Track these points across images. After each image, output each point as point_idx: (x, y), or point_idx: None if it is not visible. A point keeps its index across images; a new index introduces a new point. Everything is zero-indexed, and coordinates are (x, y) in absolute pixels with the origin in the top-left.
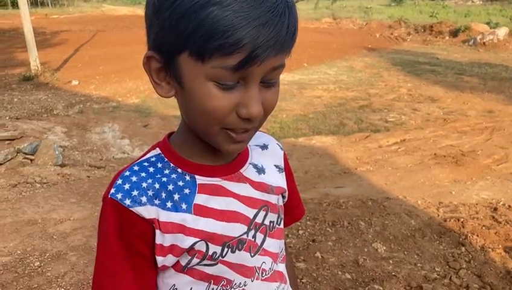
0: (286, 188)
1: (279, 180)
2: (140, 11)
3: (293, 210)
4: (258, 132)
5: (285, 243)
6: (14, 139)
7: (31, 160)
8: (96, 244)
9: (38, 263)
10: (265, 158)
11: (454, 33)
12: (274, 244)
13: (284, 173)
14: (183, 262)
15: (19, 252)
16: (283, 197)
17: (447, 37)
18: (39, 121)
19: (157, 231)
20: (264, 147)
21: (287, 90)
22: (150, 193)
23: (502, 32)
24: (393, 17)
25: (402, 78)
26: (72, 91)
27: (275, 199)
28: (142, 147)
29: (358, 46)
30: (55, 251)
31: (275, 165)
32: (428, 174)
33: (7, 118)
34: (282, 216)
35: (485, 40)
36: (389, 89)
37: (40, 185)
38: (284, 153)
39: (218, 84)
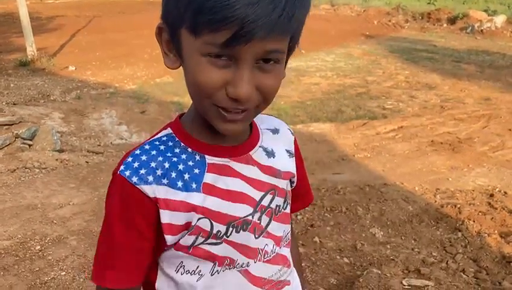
0: (295, 173)
1: (289, 165)
2: None
3: (301, 196)
4: (268, 116)
5: (292, 228)
6: (12, 124)
7: (30, 145)
8: (96, 228)
9: (39, 247)
10: (277, 142)
11: (452, 20)
12: (278, 228)
13: (294, 158)
14: (188, 242)
15: (19, 236)
16: (291, 182)
17: (445, 25)
18: (36, 106)
19: (162, 211)
20: (275, 131)
21: (285, 77)
22: (159, 172)
23: (499, 19)
24: (391, 4)
25: (400, 66)
26: (69, 77)
27: (282, 184)
28: (140, 133)
29: (356, 33)
30: (55, 235)
31: (286, 150)
32: (426, 161)
33: (4, 103)
34: (289, 201)
35: (482, 28)
36: (387, 76)
37: (39, 170)
38: (295, 138)
39: (210, 59)
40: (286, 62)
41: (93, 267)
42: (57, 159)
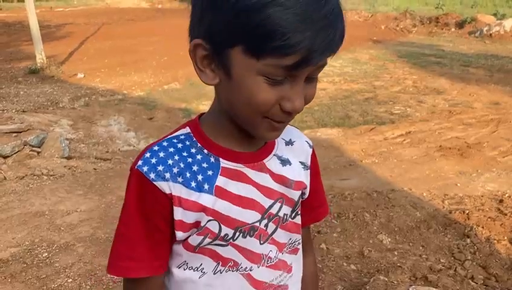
0: (307, 185)
1: (302, 176)
2: (144, 3)
3: (315, 209)
4: (289, 127)
5: (310, 244)
6: (20, 132)
7: (38, 152)
8: (104, 235)
9: (47, 253)
10: (290, 153)
11: (460, 25)
12: (283, 235)
13: (308, 170)
14: (195, 242)
15: (27, 243)
16: (303, 193)
17: (453, 29)
18: (45, 113)
19: (176, 208)
20: (289, 142)
21: None
22: (175, 170)
23: (508, 23)
24: (399, 8)
25: (407, 70)
26: (78, 84)
27: (292, 194)
28: (148, 139)
29: (363, 38)
30: (62, 242)
31: (300, 162)
32: (434, 166)
33: (13, 110)
34: (298, 211)
35: (491, 32)
36: (395, 81)
37: (47, 177)
38: (313, 151)
39: (268, 80)
40: None
41: (111, 260)
42: (65, 166)
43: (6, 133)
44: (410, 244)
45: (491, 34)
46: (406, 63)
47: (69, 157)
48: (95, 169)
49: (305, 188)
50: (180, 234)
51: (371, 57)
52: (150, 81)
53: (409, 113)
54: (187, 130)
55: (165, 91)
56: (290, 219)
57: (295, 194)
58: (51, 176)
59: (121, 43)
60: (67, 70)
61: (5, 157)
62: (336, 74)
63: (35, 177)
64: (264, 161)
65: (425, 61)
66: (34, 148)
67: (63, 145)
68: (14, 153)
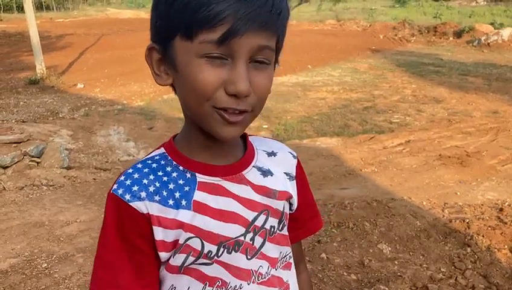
0: (293, 195)
1: (287, 186)
2: (144, 14)
3: (307, 222)
4: (269, 140)
5: (302, 255)
6: (20, 142)
7: (38, 163)
8: None
9: (46, 264)
10: (273, 164)
11: (459, 34)
12: (274, 249)
13: (294, 181)
14: (179, 261)
15: (26, 253)
16: (290, 204)
17: (451, 38)
18: (45, 124)
19: (155, 227)
20: (271, 153)
21: (291, 92)
22: (151, 189)
23: (506, 32)
24: (397, 18)
25: (406, 80)
26: (78, 94)
27: (277, 204)
28: (147, 149)
29: (362, 47)
30: (62, 252)
31: (284, 173)
32: (433, 175)
33: (13, 121)
34: (286, 222)
35: (489, 41)
36: (394, 90)
37: (47, 187)
38: (298, 162)
39: (208, 60)
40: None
41: (94, 286)
42: (64, 176)
43: (6, 143)
44: (411, 253)
45: (489, 43)
46: (404, 72)
47: (68, 168)
48: (94, 179)
49: (291, 198)
50: (163, 255)
51: (370, 66)
52: (150, 91)
53: (408, 122)
54: (162, 150)
55: (164, 101)
56: (278, 231)
57: (280, 205)
58: (51, 186)
59: (121, 54)
60: (67, 81)
61: (4, 167)
62: (335, 84)
63: (34, 187)
64: (243, 172)
65: (424, 71)
66: (33, 159)
67: (63, 155)
68: (14, 164)
